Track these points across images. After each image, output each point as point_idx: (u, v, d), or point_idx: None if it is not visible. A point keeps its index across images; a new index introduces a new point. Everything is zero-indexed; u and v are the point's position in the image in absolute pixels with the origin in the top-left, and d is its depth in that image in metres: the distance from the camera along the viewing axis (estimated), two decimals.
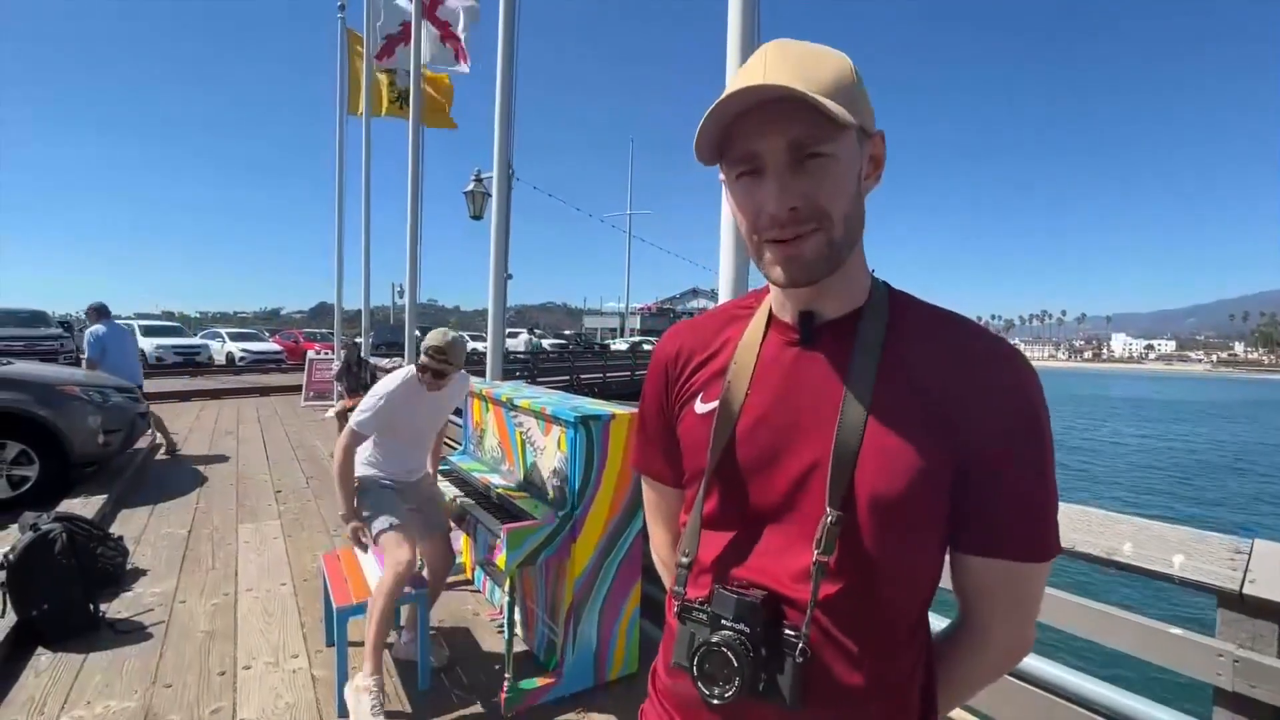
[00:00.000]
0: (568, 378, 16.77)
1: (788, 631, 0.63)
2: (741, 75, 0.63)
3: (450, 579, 3.18)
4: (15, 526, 3.58)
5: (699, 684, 0.62)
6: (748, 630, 0.62)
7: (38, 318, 15.17)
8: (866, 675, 0.64)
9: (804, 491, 0.66)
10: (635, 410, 0.87)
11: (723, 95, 0.61)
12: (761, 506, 0.69)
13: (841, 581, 0.64)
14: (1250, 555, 1.43)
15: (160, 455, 6.78)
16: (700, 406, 0.75)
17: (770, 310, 0.75)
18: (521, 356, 19.74)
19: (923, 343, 0.68)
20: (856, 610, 0.64)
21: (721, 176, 0.69)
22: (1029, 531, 0.66)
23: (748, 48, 2.38)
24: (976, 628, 0.72)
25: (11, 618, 2.76)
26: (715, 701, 0.61)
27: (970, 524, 0.66)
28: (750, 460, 0.69)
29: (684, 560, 0.73)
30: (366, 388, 7.90)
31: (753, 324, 0.75)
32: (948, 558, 0.71)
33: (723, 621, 0.63)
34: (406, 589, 2.38)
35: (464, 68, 8.40)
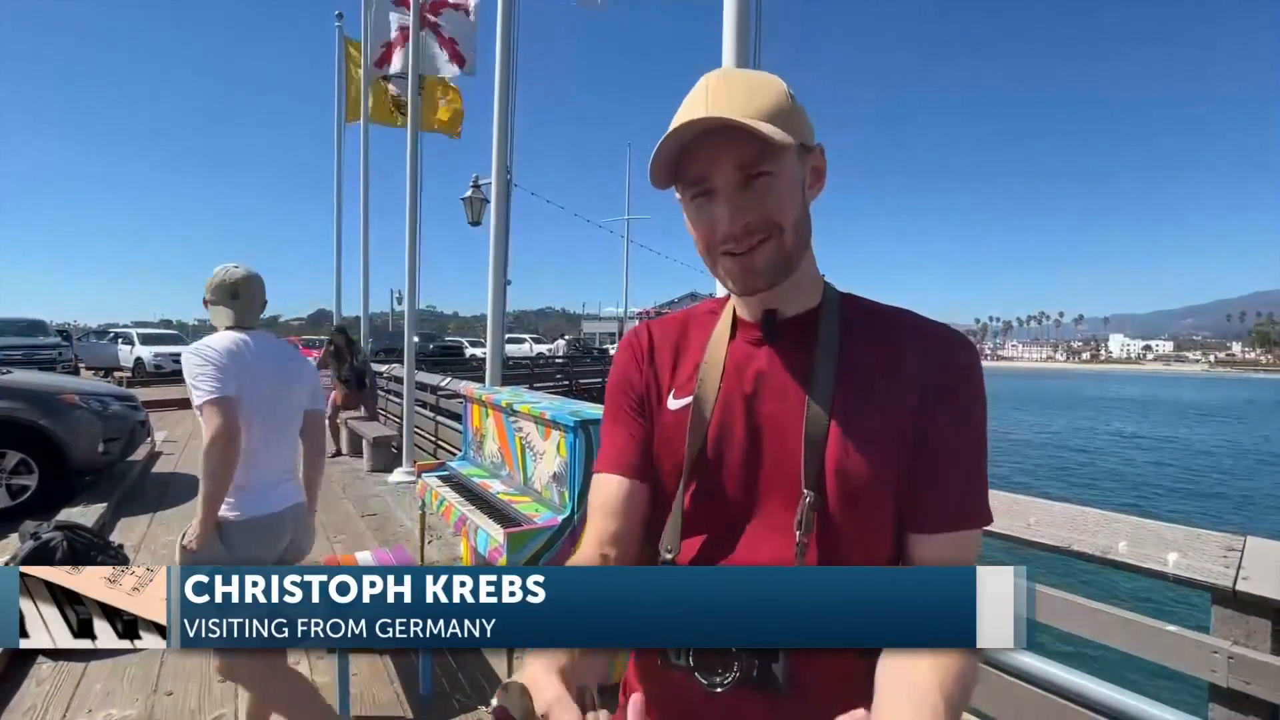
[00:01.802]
0: (567, 382, 16.83)
1: None
2: (687, 107, 0.69)
3: None
4: (15, 535, 3.58)
5: (697, 674, 0.63)
6: None
7: (36, 327, 15.17)
8: (846, 658, 0.66)
9: (779, 480, 0.71)
10: None
11: (671, 128, 0.67)
12: (739, 497, 0.73)
13: (819, 563, 0.68)
14: (1243, 552, 1.44)
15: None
16: (673, 403, 0.78)
17: (734, 311, 0.79)
18: (560, 360, 19.98)
19: (872, 332, 0.74)
20: None
21: (678, 197, 0.75)
22: (963, 500, 0.69)
23: (743, 47, 2.41)
24: None
25: None
26: (718, 690, 0.62)
27: (917, 500, 0.70)
28: (726, 453, 0.73)
29: (667, 556, 0.74)
30: (360, 377, 7.50)
31: (720, 323, 0.79)
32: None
33: None
34: None
35: (457, 70, 8.40)
